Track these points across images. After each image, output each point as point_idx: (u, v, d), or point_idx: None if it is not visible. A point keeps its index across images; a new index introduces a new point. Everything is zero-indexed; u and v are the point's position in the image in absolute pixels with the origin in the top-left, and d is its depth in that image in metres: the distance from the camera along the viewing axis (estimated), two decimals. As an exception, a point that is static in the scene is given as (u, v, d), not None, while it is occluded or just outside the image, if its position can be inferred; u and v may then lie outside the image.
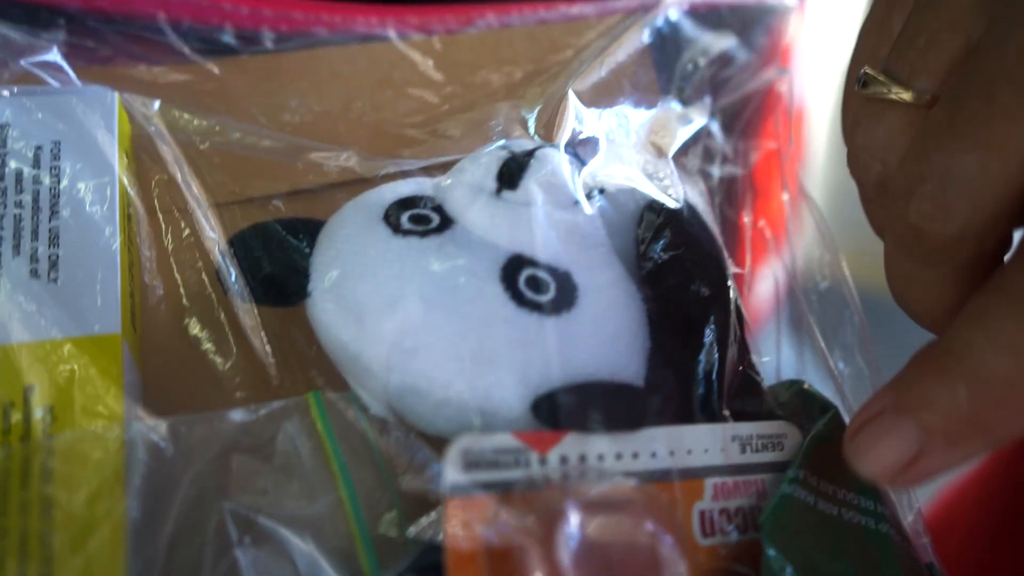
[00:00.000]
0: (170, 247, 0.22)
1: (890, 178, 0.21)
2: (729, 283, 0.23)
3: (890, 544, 0.21)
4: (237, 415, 0.19)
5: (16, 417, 0.18)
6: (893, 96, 0.21)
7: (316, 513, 0.19)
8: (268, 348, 0.21)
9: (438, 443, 0.19)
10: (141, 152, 0.22)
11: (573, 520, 0.17)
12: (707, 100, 0.28)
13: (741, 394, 0.22)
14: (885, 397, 0.20)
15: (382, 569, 0.18)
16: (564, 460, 0.18)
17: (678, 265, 0.22)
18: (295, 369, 0.21)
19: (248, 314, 0.21)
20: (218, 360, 0.21)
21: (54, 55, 0.23)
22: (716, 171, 0.27)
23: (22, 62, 0.22)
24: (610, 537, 0.18)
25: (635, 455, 0.19)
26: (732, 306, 0.22)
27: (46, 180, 0.20)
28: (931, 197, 0.19)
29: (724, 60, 0.30)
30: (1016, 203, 0.18)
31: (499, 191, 0.22)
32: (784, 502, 0.20)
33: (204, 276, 0.22)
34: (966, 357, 0.19)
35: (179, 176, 0.22)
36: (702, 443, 0.20)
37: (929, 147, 0.19)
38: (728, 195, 0.28)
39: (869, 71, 0.21)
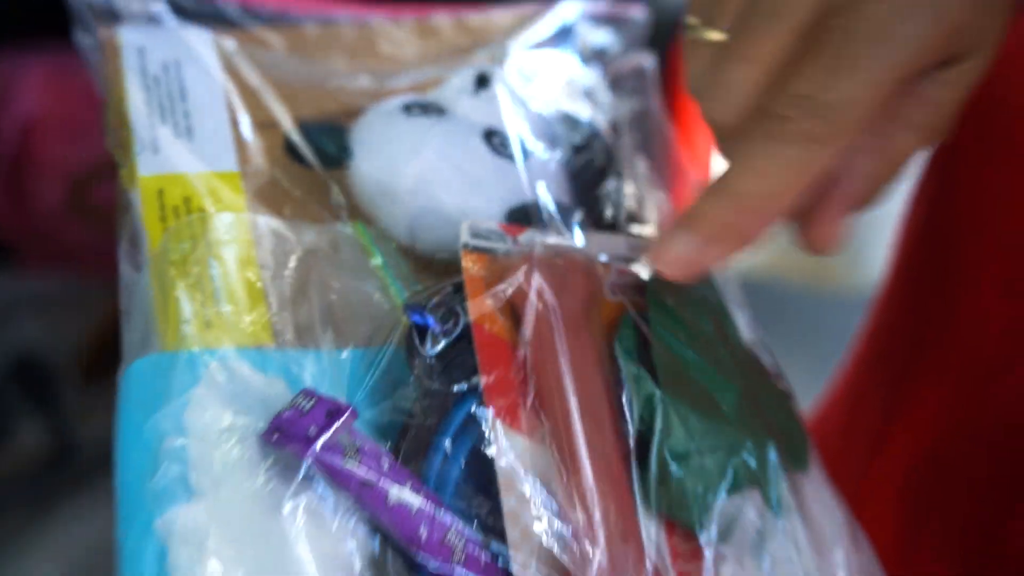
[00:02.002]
0: (258, 124, 0.31)
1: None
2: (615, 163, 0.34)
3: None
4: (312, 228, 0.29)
5: (191, 209, 0.27)
6: (707, 37, 0.28)
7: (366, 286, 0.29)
8: (322, 198, 0.31)
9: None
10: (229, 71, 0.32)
11: (537, 254, 0.28)
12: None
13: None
14: (677, 218, 0.27)
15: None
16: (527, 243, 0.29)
17: (586, 146, 0.34)
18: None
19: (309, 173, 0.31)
20: (295, 194, 0.30)
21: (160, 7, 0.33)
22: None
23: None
24: (559, 260, 0.28)
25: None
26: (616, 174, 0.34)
27: (175, 82, 0.30)
28: (712, 100, 0.27)
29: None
30: (767, 86, 0.26)
31: (475, 91, 0.33)
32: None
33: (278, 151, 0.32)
34: (729, 181, 0.26)
35: (258, 86, 0.32)
36: (609, 243, 0.31)
37: (713, 64, 0.27)
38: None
39: (690, 19, 0.28)
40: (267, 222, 0.28)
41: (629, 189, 0.34)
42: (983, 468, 0.39)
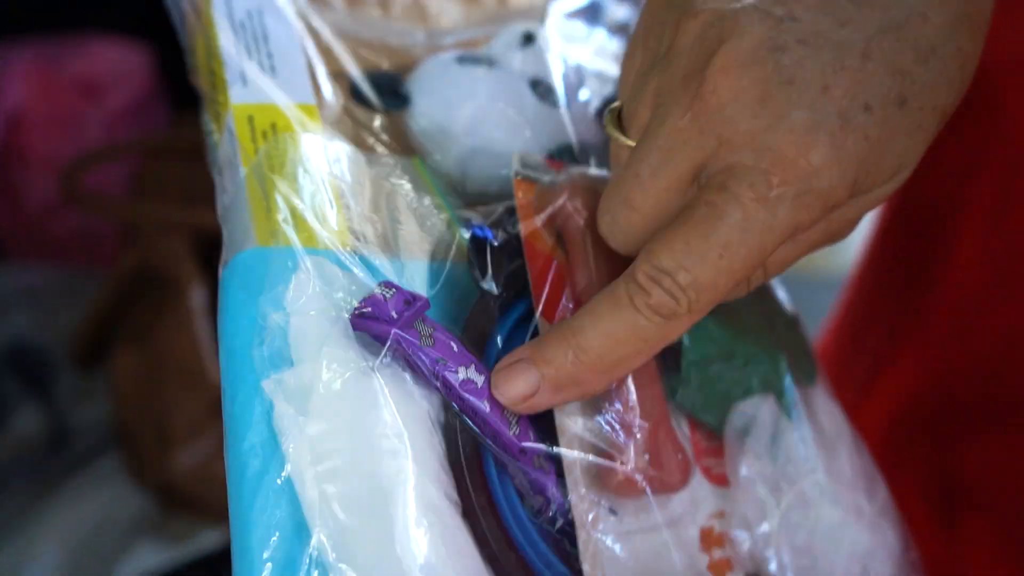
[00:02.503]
0: (329, 71, 0.35)
1: None
2: None
3: None
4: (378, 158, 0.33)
5: (278, 132, 0.31)
6: (620, 141, 0.28)
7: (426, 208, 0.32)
8: (385, 137, 0.34)
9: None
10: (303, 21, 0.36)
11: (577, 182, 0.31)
12: None
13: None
14: (526, 350, 0.26)
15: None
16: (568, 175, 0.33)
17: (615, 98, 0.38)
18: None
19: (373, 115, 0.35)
20: (362, 131, 0.34)
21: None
22: None
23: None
24: (597, 187, 0.32)
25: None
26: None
27: (259, 27, 0.34)
28: (604, 224, 0.27)
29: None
30: (652, 233, 0.26)
31: (522, 46, 0.36)
32: None
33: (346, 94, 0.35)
34: (578, 334, 0.25)
35: (327, 37, 0.35)
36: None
37: (609, 187, 0.27)
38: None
39: (608, 125, 0.28)
40: (343, 147, 0.31)
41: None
42: (957, 415, 0.43)
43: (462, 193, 0.34)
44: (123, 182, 0.73)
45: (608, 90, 0.37)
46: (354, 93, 0.35)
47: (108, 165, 0.71)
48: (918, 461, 0.44)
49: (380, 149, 0.33)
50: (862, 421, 0.45)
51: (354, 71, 0.35)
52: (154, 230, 0.64)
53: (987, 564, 0.42)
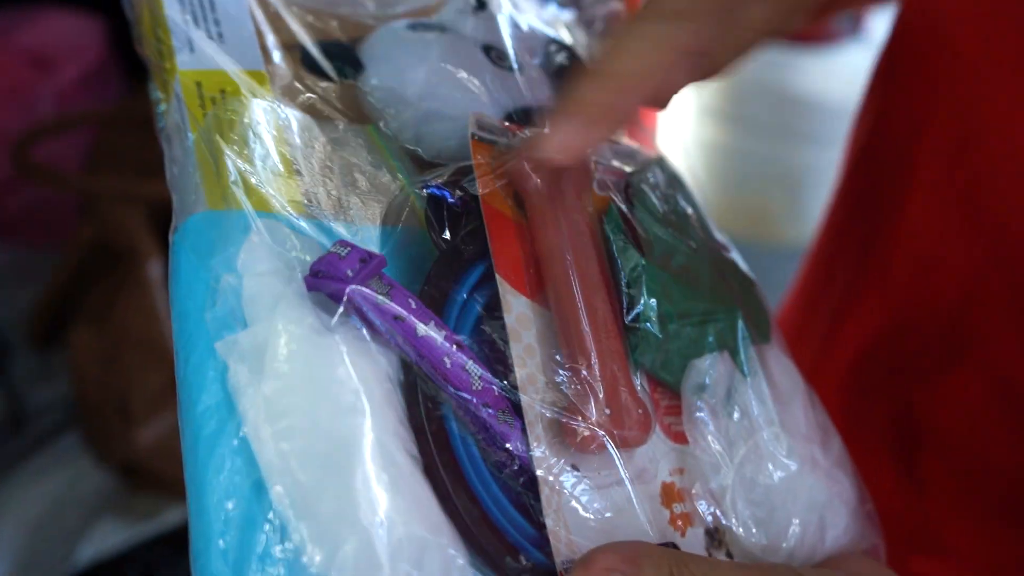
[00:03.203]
0: (279, 41, 0.34)
1: None
2: None
3: None
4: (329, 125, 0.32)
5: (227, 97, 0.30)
6: None
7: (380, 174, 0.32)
8: (338, 105, 0.34)
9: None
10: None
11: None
12: None
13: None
14: (559, 105, 0.29)
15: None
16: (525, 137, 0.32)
17: (569, 66, 0.37)
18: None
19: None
20: (313, 98, 0.33)
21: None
22: None
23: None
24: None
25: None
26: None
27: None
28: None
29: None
30: None
31: (474, 12, 0.36)
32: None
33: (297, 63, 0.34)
34: (606, 63, 0.29)
35: (276, 6, 0.35)
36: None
37: None
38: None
39: None
40: (293, 112, 0.31)
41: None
42: (914, 358, 0.44)
43: (417, 160, 0.33)
44: (77, 155, 0.71)
45: (561, 57, 0.37)
46: (305, 62, 0.34)
47: (61, 138, 0.70)
48: (878, 409, 0.45)
49: (332, 117, 0.33)
50: (822, 377, 0.46)
51: (305, 39, 0.35)
52: (110, 203, 0.63)
53: (946, 510, 0.43)
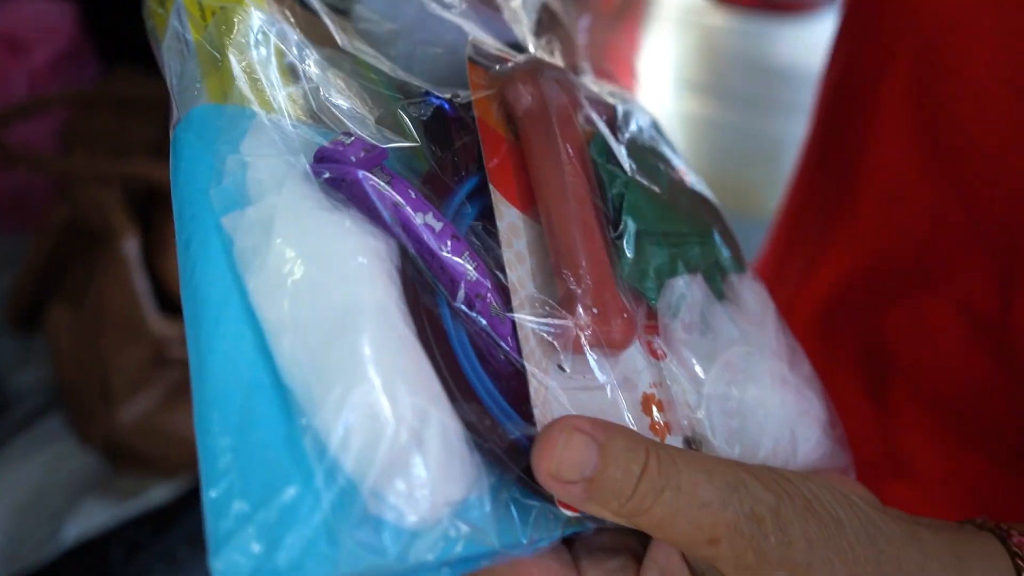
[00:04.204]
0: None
1: None
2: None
3: None
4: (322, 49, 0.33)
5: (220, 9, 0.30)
6: None
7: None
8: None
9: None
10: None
11: (531, 65, 0.32)
12: None
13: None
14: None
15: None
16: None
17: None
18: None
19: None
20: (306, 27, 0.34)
21: None
22: None
23: None
24: (550, 71, 0.32)
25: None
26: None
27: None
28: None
29: None
30: None
31: None
32: None
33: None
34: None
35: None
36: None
37: None
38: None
39: None
40: (291, 30, 0.31)
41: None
42: (884, 287, 0.45)
43: (404, 90, 0.34)
44: (49, 138, 0.71)
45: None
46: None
47: (35, 120, 0.69)
48: (849, 343, 0.47)
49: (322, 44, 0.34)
50: (797, 318, 0.48)
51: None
52: (85, 183, 0.62)
53: (915, 435, 0.44)
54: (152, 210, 0.62)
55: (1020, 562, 0.28)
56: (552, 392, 0.27)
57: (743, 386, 0.31)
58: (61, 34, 0.72)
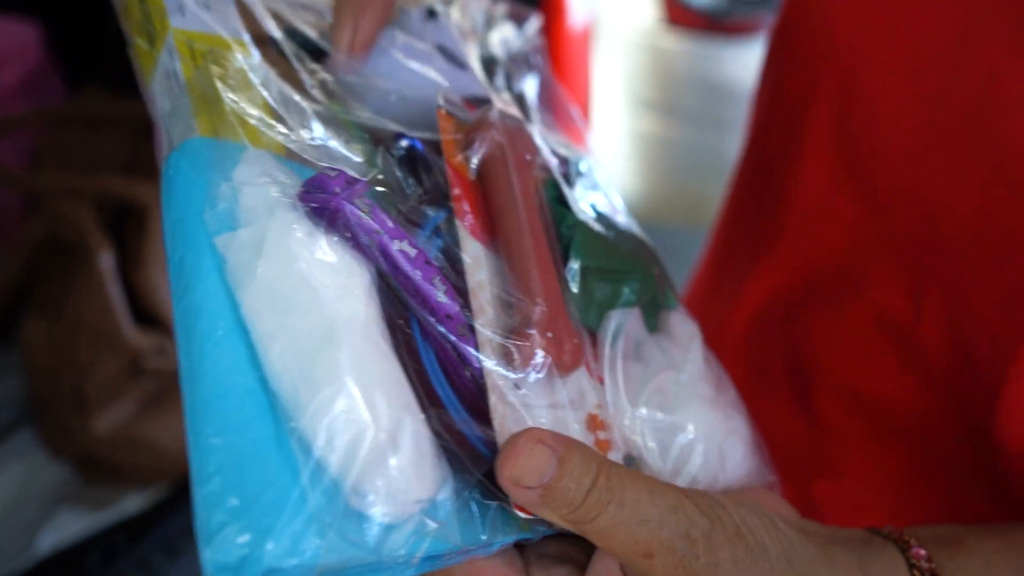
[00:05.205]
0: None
1: None
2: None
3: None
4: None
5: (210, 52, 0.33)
6: None
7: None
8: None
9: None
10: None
11: (494, 115, 0.35)
12: None
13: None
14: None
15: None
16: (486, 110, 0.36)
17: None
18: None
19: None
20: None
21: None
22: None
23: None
24: (511, 121, 0.36)
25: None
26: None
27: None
28: None
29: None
30: None
31: (427, 19, 0.40)
32: None
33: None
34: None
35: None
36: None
37: None
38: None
39: None
40: (275, 76, 0.34)
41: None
42: (806, 301, 0.48)
43: (376, 137, 0.37)
44: (22, 156, 0.72)
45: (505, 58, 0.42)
46: (280, 48, 0.38)
47: (5, 139, 0.70)
48: (777, 353, 0.50)
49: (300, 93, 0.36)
50: (730, 330, 0.52)
51: (276, 30, 0.38)
52: (58, 199, 0.64)
53: (838, 437, 0.47)
54: (123, 225, 0.64)
55: (917, 573, 0.30)
56: (509, 407, 0.30)
57: (673, 408, 0.34)
58: (28, 56, 0.74)
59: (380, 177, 0.32)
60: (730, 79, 1.72)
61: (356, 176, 0.29)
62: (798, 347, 0.49)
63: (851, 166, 0.45)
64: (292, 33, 0.38)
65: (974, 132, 0.39)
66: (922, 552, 0.31)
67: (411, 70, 0.37)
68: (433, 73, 0.37)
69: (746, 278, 0.52)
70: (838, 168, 0.45)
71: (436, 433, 0.28)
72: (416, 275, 0.29)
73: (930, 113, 0.40)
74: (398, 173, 0.33)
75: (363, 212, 0.29)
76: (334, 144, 0.32)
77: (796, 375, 0.49)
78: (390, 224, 0.29)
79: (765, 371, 0.50)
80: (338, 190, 0.28)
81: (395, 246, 0.29)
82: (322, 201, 0.28)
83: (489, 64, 0.44)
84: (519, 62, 0.46)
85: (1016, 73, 0.37)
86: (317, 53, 0.37)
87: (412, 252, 0.29)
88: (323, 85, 0.36)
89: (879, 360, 0.44)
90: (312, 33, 0.38)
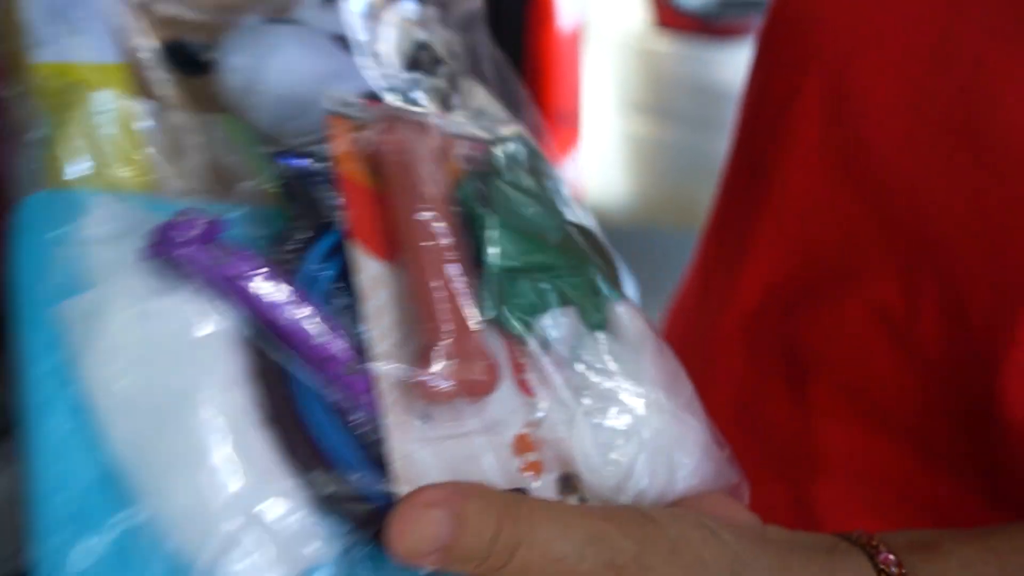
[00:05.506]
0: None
1: None
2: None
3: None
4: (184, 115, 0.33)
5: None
6: None
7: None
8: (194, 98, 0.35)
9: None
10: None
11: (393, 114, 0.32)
12: None
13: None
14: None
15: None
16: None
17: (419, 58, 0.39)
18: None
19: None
20: (170, 93, 0.34)
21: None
22: None
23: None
24: (413, 120, 0.33)
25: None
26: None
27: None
28: None
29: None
30: None
31: (323, 6, 0.37)
32: None
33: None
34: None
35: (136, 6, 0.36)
36: (455, 123, 0.36)
37: None
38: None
39: None
40: (143, 104, 0.31)
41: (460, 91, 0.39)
42: (802, 294, 0.48)
43: (274, 146, 0.34)
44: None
45: (407, 44, 0.39)
46: (164, 59, 0.35)
47: None
48: (773, 347, 0.50)
49: (188, 109, 0.34)
50: (723, 324, 0.52)
51: (158, 38, 0.35)
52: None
53: (835, 432, 0.46)
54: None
55: None
56: (411, 449, 0.27)
57: (617, 417, 0.31)
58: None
59: (256, 205, 0.29)
60: (721, 81, 1.72)
61: (210, 218, 0.26)
62: (794, 346, 0.48)
63: (842, 163, 0.45)
64: (175, 47, 0.35)
65: (960, 123, 0.39)
66: (891, 557, 0.29)
67: (305, 68, 0.34)
68: (329, 68, 0.35)
69: (739, 278, 0.51)
70: (829, 165, 0.45)
71: (320, 497, 0.25)
72: (287, 318, 0.26)
73: (918, 106, 0.41)
74: (284, 194, 0.30)
75: (221, 256, 0.26)
76: (204, 170, 0.30)
77: (792, 369, 0.48)
78: (251, 266, 0.26)
79: (761, 372, 0.50)
80: (189, 236, 0.25)
81: (258, 289, 0.26)
82: (169, 254, 0.25)
83: (420, 49, 0.41)
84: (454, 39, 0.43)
85: (999, 64, 0.38)
86: (202, 64, 0.34)
87: (280, 293, 0.26)
88: (210, 99, 0.34)
89: (877, 356, 0.44)
90: (199, 39, 0.35)
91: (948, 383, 0.42)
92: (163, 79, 0.34)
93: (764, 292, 0.50)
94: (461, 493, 0.25)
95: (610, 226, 0.43)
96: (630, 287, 0.38)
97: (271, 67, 0.34)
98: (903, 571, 0.29)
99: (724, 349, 0.52)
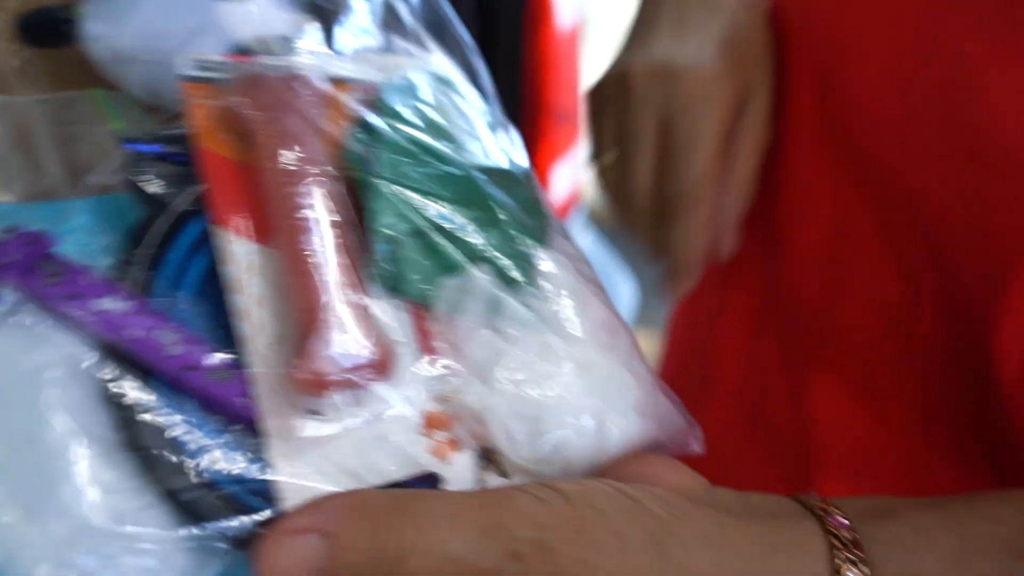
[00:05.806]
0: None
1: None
2: None
3: None
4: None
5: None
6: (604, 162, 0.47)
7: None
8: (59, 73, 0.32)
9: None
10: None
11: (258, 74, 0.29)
12: None
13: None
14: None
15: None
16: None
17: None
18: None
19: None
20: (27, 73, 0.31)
21: None
22: None
23: None
24: (281, 77, 0.29)
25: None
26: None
27: None
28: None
29: None
30: None
31: None
32: None
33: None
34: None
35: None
36: (348, 64, 0.32)
37: (617, 180, 0.48)
38: None
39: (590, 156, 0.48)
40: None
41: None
42: (803, 292, 0.48)
43: (157, 114, 0.31)
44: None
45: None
46: (20, 31, 0.32)
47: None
48: (773, 348, 0.51)
49: (49, 87, 0.31)
50: (724, 328, 0.55)
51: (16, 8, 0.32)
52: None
53: (836, 427, 0.47)
54: None
55: (837, 543, 0.26)
56: (300, 449, 0.25)
57: (537, 382, 0.28)
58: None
59: (110, 194, 0.27)
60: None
61: (37, 233, 0.24)
62: (794, 345, 0.49)
63: (835, 156, 0.45)
64: (34, 17, 0.32)
65: (946, 114, 0.40)
66: (843, 520, 0.27)
67: (171, 23, 0.31)
68: (198, 20, 0.31)
69: (737, 276, 0.52)
70: (822, 159, 0.46)
71: (191, 521, 0.24)
72: (132, 334, 0.24)
73: (906, 98, 0.42)
74: (136, 178, 0.27)
75: (50, 276, 0.24)
76: (55, 172, 0.27)
77: (793, 363, 0.49)
78: (87, 280, 0.24)
79: (762, 371, 0.51)
80: (12, 259, 0.23)
81: (97, 306, 0.24)
82: (-8, 279, 0.23)
83: None
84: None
85: (983, 55, 0.39)
86: (65, 34, 0.31)
87: (121, 307, 0.24)
88: (79, 73, 0.31)
89: (878, 350, 0.45)
90: (61, 5, 0.32)
91: (949, 378, 0.42)
92: (16, 55, 0.31)
93: (762, 293, 0.51)
94: (335, 507, 0.24)
95: (610, 226, 0.49)
96: (630, 287, 0.37)
97: (131, 30, 0.31)
98: (855, 535, 0.27)
99: (725, 349, 0.54)
